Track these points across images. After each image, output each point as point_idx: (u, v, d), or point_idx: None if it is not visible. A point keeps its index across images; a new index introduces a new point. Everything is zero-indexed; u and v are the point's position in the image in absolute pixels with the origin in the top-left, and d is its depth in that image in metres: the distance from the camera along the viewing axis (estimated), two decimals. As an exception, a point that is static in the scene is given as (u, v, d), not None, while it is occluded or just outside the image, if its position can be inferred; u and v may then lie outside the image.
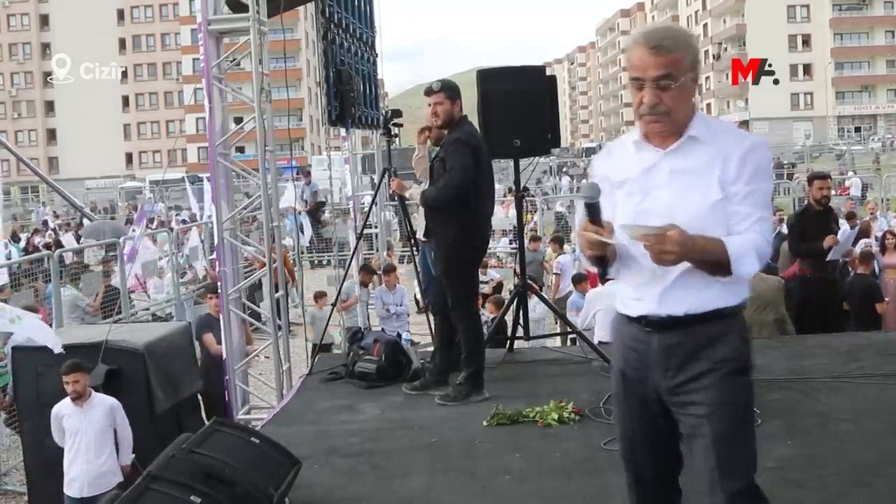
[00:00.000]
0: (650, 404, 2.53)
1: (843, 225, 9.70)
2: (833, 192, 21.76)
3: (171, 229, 14.40)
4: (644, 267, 2.41)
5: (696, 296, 2.40)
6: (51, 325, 8.13)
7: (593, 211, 2.39)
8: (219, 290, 7.40)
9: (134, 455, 5.51)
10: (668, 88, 2.37)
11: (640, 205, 2.47)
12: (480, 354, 5.55)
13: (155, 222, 23.25)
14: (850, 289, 7.98)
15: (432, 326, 6.14)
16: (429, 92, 5.43)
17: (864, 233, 10.62)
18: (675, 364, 2.44)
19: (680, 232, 2.25)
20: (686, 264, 2.32)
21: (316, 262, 19.94)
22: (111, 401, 5.52)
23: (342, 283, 8.51)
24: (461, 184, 5.21)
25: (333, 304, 8.15)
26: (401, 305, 9.12)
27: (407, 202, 7.07)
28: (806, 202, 7.76)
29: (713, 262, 2.30)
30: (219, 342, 7.18)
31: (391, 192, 6.88)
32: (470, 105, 5.44)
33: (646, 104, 2.40)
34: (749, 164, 2.36)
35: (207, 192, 19.96)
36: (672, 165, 2.44)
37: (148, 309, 11.50)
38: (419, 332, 9.51)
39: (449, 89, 5.40)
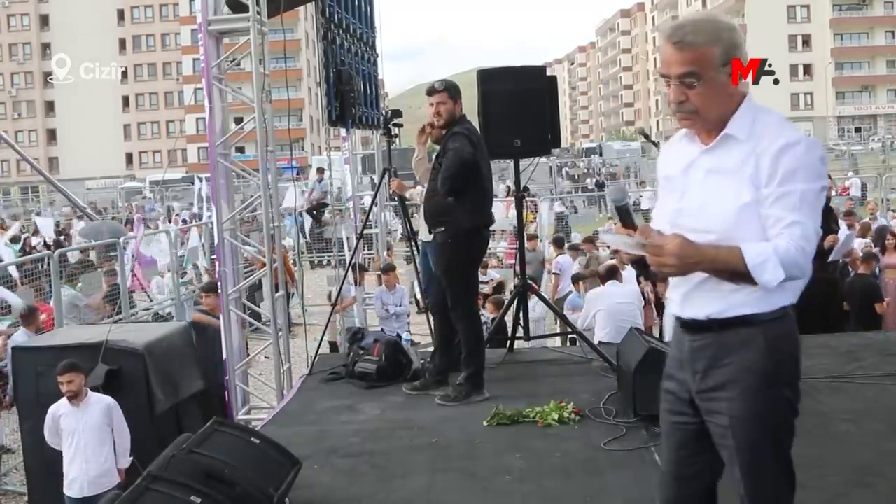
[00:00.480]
0: (684, 405, 2.44)
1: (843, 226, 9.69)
2: (833, 193, 21.78)
3: (186, 220, 14.35)
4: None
5: (721, 300, 2.27)
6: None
7: (623, 213, 2.35)
8: (218, 290, 7.43)
9: (132, 459, 5.47)
10: (693, 87, 2.25)
11: (678, 203, 2.39)
12: (481, 354, 5.56)
13: (156, 222, 23.26)
14: (850, 289, 8.00)
15: (432, 327, 6.14)
16: (431, 91, 5.44)
17: (865, 234, 10.63)
18: (702, 368, 2.34)
19: (680, 243, 2.15)
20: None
21: (316, 262, 19.94)
22: (108, 400, 5.52)
23: (342, 284, 8.51)
24: (462, 158, 5.19)
25: (333, 305, 8.15)
26: (400, 306, 9.11)
27: (407, 202, 7.08)
28: None
29: (729, 271, 2.16)
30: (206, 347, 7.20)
31: (391, 192, 6.88)
32: (470, 105, 5.45)
33: (672, 102, 2.31)
34: (783, 163, 2.17)
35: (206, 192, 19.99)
36: (708, 164, 2.33)
37: (149, 309, 11.49)
38: (419, 332, 9.51)
39: (451, 89, 5.42)
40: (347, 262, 8.97)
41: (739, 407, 2.27)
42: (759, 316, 2.26)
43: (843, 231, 8.91)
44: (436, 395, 5.55)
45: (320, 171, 21.86)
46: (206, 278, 12.52)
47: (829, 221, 7.29)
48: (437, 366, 5.79)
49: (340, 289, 8.25)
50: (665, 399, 2.51)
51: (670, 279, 2.40)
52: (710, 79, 2.25)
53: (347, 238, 11.14)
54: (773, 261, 2.10)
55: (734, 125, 2.29)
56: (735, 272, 2.15)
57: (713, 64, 2.25)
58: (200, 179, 24.19)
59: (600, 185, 32.25)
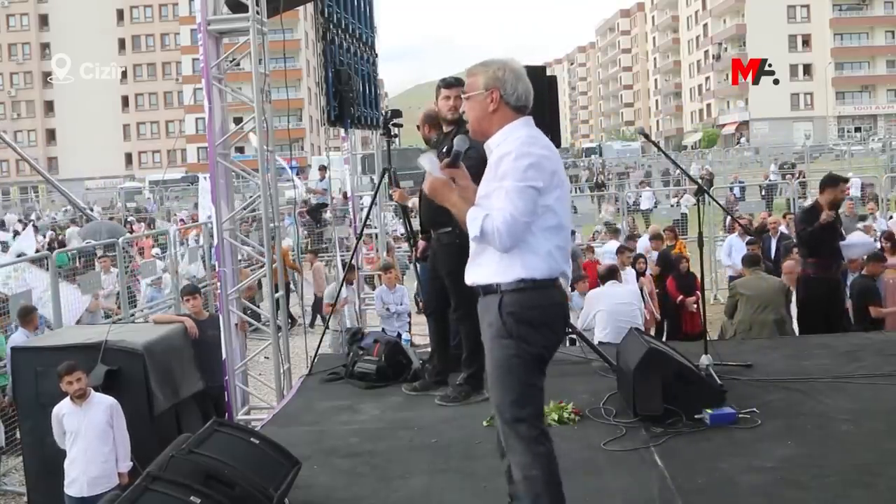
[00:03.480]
0: None
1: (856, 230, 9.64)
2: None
3: (184, 220, 14.38)
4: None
5: (479, 271, 3.12)
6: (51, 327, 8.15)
7: (455, 157, 3.11)
8: (199, 293, 7.44)
9: (132, 463, 5.46)
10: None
11: None
12: (482, 355, 5.52)
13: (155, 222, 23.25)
14: (851, 289, 7.98)
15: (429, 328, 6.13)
16: (449, 85, 5.36)
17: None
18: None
19: (441, 180, 3.05)
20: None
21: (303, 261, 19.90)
22: (110, 400, 5.53)
23: (341, 284, 8.51)
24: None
25: (333, 305, 8.16)
26: (401, 305, 9.09)
27: (410, 211, 7.05)
28: (814, 202, 7.59)
29: (458, 216, 3.01)
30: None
31: (390, 194, 6.86)
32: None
33: None
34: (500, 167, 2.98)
35: (207, 191, 19.99)
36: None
37: (150, 309, 11.48)
38: (420, 332, 9.49)
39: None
40: (348, 262, 8.98)
41: (487, 349, 3.15)
42: (500, 286, 3.04)
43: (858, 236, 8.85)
44: (435, 396, 5.55)
45: (322, 169, 21.85)
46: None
47: (835, 222, 7.28)
48: (436, 366, 5.79)
49: (340, 289, 8.25)
50: None
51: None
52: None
53: (347, 238, 11.14)
54: (478, 222, 2.92)
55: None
56: (461, 220, 3.01)
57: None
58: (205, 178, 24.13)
59: (599, 186, 32.19)
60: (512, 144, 2.98)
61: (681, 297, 9.59)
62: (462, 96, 3.19)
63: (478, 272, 3.13)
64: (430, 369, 5.84)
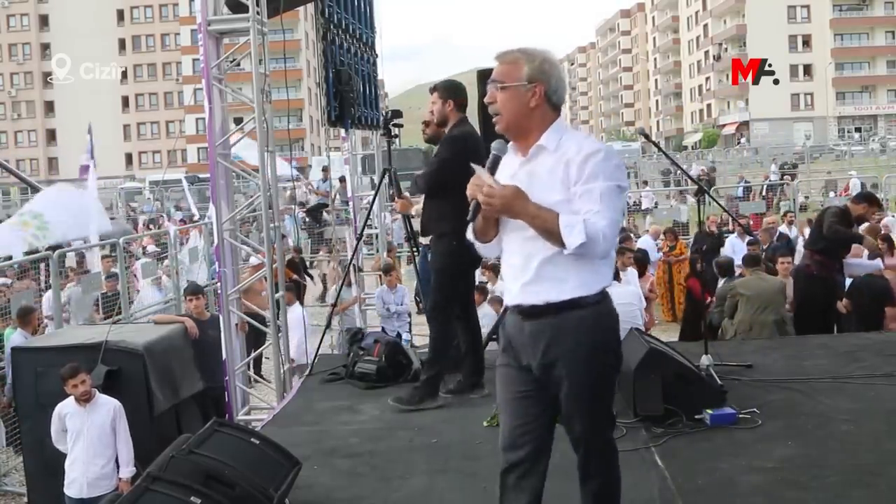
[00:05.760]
0: (524, 377, 2.88)
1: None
2: (832, 195, 21.80)
3: (184, 220, 14.37)
4: (511, 265, 2.84)
5: (551, 288, 2.74)
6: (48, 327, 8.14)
7: (494, 161, 2.78)
8: (201, 293, 7.44)
9: (135, 469, 5.40)
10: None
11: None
12: (444, 360, 5.48)
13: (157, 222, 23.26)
14: (859, 289, 7.96)
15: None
16: (431, 91, 5.48)
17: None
18: (543, 346, 2.78)
19: (514, 188, 2.64)
20: (544, 257, 2.70)
21: (316, 262, 19.92)
22: (114, 402, 5.52)
23: (341, 284, 8.51)
24: (433, 171, 5.27)
25: (333, 306, 8.15)
26: (401, 305, 9.10)
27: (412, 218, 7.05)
28: (845, 207, 7.60)
29: (544, 227, 2.63)
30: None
31: (391, 195, 6.85)
32: (470, 105, 5.43)
33: None
34: (587, 167, 2.66)
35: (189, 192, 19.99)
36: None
37: (151, 307, 11.47)
38: (420, 332, 9.49)
39: (442, 90, 5.39)
40: (347, 263, 8.97)
41: (576, 369, 2.76)
42: (586, 299, 2.74)
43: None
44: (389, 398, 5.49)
45: (325, 170, 21.86)
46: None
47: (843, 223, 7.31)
48: (469, 368, 5.68)
49: (340, 289, 8.25)
50: (504, 375, 2.94)
51: (506, 273, 2.90)
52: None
53: (347, 238, 11.14)
54: (580, 227, 2.57)
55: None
56: (549, 229, 2.61)
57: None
58: (192, 183, 24.12)
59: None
60: (594, 143, 2.74)
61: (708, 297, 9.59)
62: (495, 84, 2.81)
63: (554, 288, 2.74)
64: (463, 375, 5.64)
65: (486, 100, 2.84)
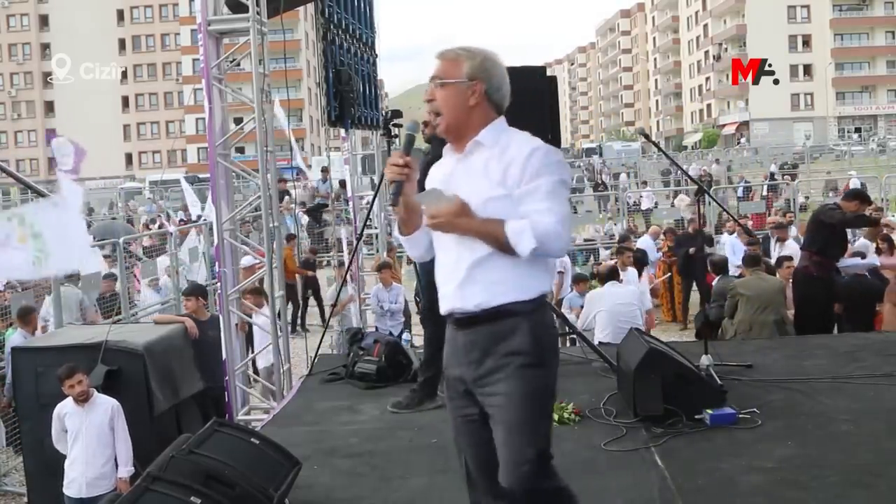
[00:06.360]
0: (466, 398, 2.69)
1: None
2: (833, 195, 21.77)
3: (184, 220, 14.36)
4: (443, 265, 2.66)
5: (484, 291, 2.56)
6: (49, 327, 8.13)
7: (408, 141, 2.70)
8: (200, 293, 7.43)
9: (133, 469, 5.41)
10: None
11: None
12: (440, 361, 5.46)
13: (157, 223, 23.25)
14: (847, 289, 7.99)
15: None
16: None
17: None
18: (476, 358, 2.60)
19: (459, 202, 2.49)
20: (477, 257, 2.53)
21: (315, 262, 19.91)
22: (112, 402, 5.52)
23: (341, 285, 8.51)
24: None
25: (333, 306, 8.16)
26: (395, 303, 9.10)
27: None
28: (836, 205, 7.63)
29: (493, 237, 2.49)
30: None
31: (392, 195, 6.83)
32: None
33: None
34: (530, 164, 2.53)
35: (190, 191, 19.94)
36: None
37: (151, 307, 11.47)
38: (420, 332, 9.49)
39: None
40: (347, 263, 8.98)
41: (512, 385, 2.53)
42: (522, 304, 2.54)
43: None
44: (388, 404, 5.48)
45: (325, 170, 21.86)
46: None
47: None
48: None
49: (340, 290, 8.25)
50: (448, 398, 2.78)
51: (439, 275, 2.70)
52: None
53: (347, 238, 11.14)
54: (528, 233, 2.42)
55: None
56: (497, 241, 2.48)
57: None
58: (191, 183, 24.10)
59: (597, 186, 32.14)
60: (533, 141, 2.60)
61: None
62: (435, 81, 2.72)
63: (483, 292, 2.56)
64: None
65: (425, 97, 2.77)
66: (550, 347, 2.63)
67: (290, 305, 12.22)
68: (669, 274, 11.95)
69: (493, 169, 2.57)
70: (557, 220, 2.45)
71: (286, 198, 17.32)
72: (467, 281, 2.58)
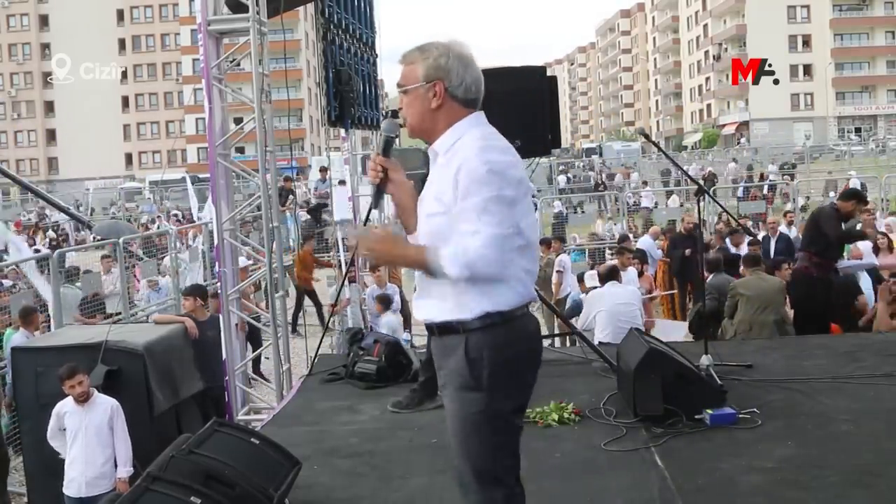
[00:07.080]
0: None
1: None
2: (833, 195, 21.76)
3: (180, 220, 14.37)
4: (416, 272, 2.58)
5: (433, 305, 2.51)
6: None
7: (387, 144, 2.62)
8: (199, 294, 7.43)
9: (132, 469, 5.40)
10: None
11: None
12: None
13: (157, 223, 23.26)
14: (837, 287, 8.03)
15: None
16: None
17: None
18: (438, 366, 2.61)
19: (380, 235, 2.45)
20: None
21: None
22: (112, 402, 5.52)
23: (341, 285, 8.51)
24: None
25: (333, 305, 8.16)
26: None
27: None
28: (833, 205, 7.65)
29: (420, 266, 2.43)
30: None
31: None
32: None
33: None
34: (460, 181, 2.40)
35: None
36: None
37: (151, 309, 11.47)
38: (420, 332, 9.49)
39: None
40: (347, 263, 8.98)
41: (447, 404, 2.54)
42: (462, 324, 2.45)
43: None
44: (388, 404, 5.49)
45: (323, 170, 21.85)
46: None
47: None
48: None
49: (340, 290, 8.25)
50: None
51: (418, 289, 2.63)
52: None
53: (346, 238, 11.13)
54: (453, 260, 2.33)
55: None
56: (430, 271, 2.40)
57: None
58: (193, 182, 24.14)
59: (596, 186, 32.12)
60: (469, 150, 2.42)
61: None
62: (399, 89, 2.56)
63: (432, 307, 2.50)
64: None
65: (396, 108, 2.68)
66: (495, 370, 2.43)
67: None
68: (674, 291, 11.88)
69: (442, 180, 2.47)
70: (483, 244, 2.31)
71: (290, 197, 17.32)
72: (421, 293, 2.57)
